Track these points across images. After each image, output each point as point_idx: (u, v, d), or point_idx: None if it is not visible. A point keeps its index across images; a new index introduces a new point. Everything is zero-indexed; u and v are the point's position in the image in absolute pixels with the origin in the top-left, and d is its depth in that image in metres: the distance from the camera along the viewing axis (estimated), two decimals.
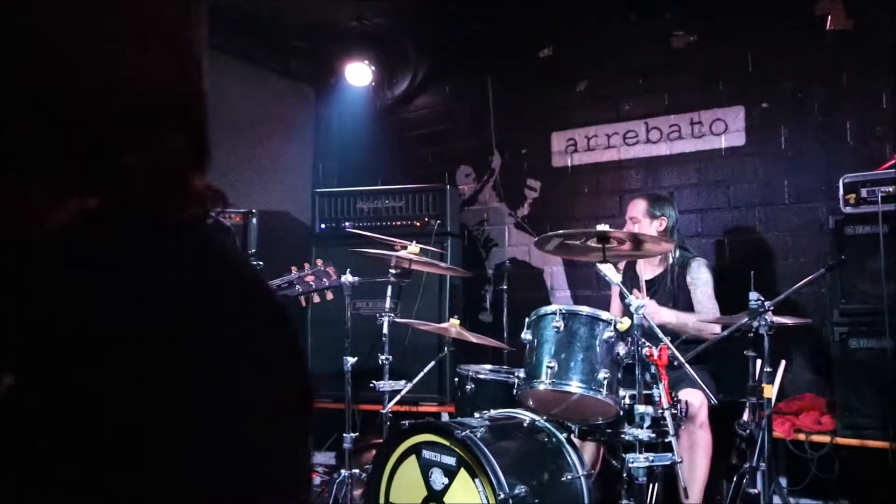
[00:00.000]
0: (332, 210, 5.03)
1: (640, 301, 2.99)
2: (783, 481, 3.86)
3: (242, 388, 0.63)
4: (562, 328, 3.10)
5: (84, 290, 0.60)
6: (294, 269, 2.78)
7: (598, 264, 3.04)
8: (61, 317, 0.59)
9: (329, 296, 2.77)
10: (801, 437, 3.84)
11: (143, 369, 0.58)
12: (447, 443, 3.11)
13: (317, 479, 4.86)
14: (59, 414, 0.56)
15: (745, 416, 3.41)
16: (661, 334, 3.04)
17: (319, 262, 2.79)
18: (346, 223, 4.89)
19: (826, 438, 3.78)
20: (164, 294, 0.62)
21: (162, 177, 0.69)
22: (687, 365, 3.17)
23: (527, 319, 3.31)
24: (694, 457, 3.52)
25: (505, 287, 4.63)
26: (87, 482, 0.55)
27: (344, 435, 3.67)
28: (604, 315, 3.12)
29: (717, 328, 3.78)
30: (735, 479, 3.32)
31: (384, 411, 3.72)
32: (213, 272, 0.67)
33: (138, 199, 0.68)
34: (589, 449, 3.96)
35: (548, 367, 3.07)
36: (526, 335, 3.26)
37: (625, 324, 2.99)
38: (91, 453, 0.55)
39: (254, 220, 4.35)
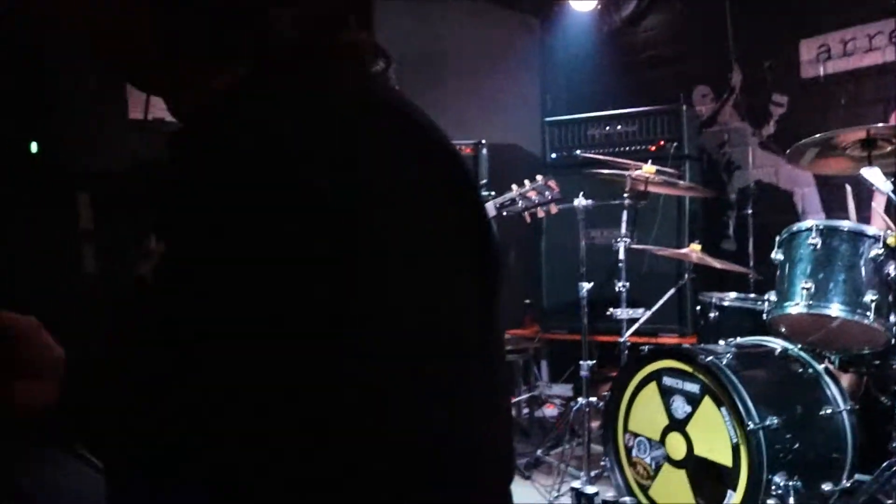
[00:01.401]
0: (562, 138, 4.91)
1: None
2: None
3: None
4: (819, 245, 2.80)
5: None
6: (515, 186, 2.72)
7: (862, 171, 2.70)
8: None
9: (553, 209, 2.68)
10: None
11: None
12: (690, 369, 2.95)
13: (553, 411, 4.86)
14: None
15: None
16: None
17: (539, 177, 2.71)
18: (578, 151, 4.75)
19: None
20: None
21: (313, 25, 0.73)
22: None
23: (777, 238, 3.03)
24: None
25: (750, 211, 4.29)
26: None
27: (581, 363, 3.59)
28: (870, 230, 2.78)
29: None
30: None
31: (622, 340, 3.58)
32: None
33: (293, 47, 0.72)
34: (848, 381, 3.61)
35: (803, 288, 2.79)
36: (777, 255, 2.99)
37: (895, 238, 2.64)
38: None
39: (483, 151, 4.34)
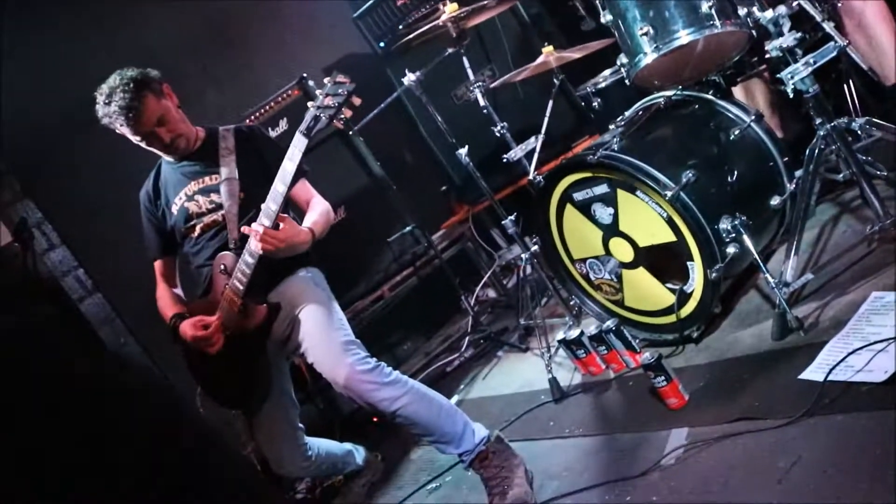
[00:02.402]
0: (378, 24, 4.58)
1: None
2: None
3: None
4: None
5: None
6: (309, 104, 2.48)
7: None
8: None
9: (357, 101, 2.44)
10: None
11: None
12: (589, 174, 2.77)
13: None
14: None
15: None
16: None
17: (328, 79, 2.46)
18: (400, 26, 4.45)
19: None
20: None
21: None
22: None
23: (597, 2, 2.79)
24: (869, 30, 2.88)
25: None
26: None
27: (503, 223, 3.39)
28: None
29: None
30: None
31: (531, 177, 3.32)
32: None
33: None
34: (761, 91, 3.42)
35: (643, 35, 2.56)
36: (605, 17, 2.75)
37: None
38: None
39: (310, 83, 4.03)
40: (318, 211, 2.84)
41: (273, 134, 4.06)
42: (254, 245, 2.56)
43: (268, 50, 5.00)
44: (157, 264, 3.03)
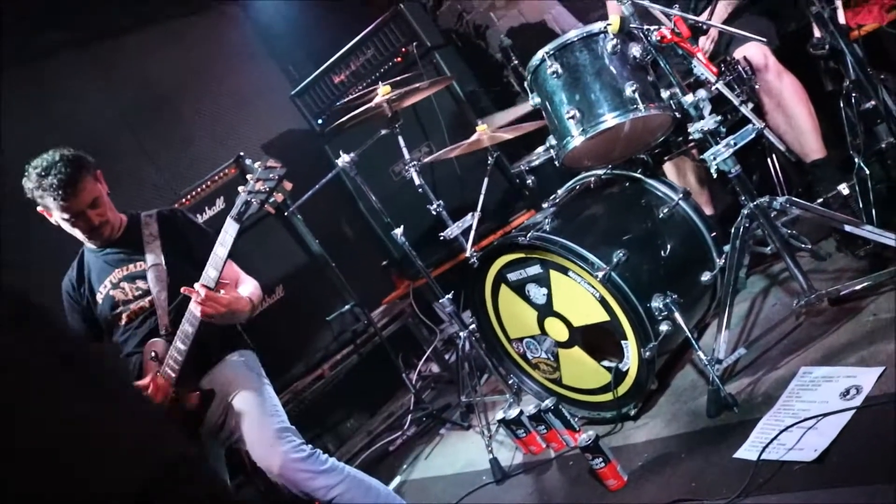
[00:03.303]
0: (316, 102, 4.63)
1: None
2: None
3: None
4: (560, 70, 2.62)
5: None
6: (240, 188, 2.49)
7: None
8: None
9: (288, 186, 2.46)
10: None
11: None
12: (522, 255, 2.78)
13: None
14: None
15: (816, 34, 2.84)
16: (658, 13, 2.51)
17: (258, 164, 2.48)
18: (337, 103, 4.49)
19: None
20: None
21: None
22: (715, 23, 2.67)
23: (525, 84, 2.85)
24: (787, 110, 2.99)
25: (516, 62, 4.11)
26: None
27: (440, 301, 3.39)
28: (594, 27, 2.59)
29: None
30: (842, 104, 2.74)
31: (469, 254, 3.34)
32: None
33: None
34: (692, 170, 3.52)
35: (570, 118, 2.61)
36: (534, 100, 2.80)
37: (615, 21, 2.47)
38: None
39: (247, 162, 4.02)
40: (253, 284, 2.84)
41: (209, 213, 4.03)
42: (194, 307, 2.52)
43: (205, 127, 4.99)
44: None
